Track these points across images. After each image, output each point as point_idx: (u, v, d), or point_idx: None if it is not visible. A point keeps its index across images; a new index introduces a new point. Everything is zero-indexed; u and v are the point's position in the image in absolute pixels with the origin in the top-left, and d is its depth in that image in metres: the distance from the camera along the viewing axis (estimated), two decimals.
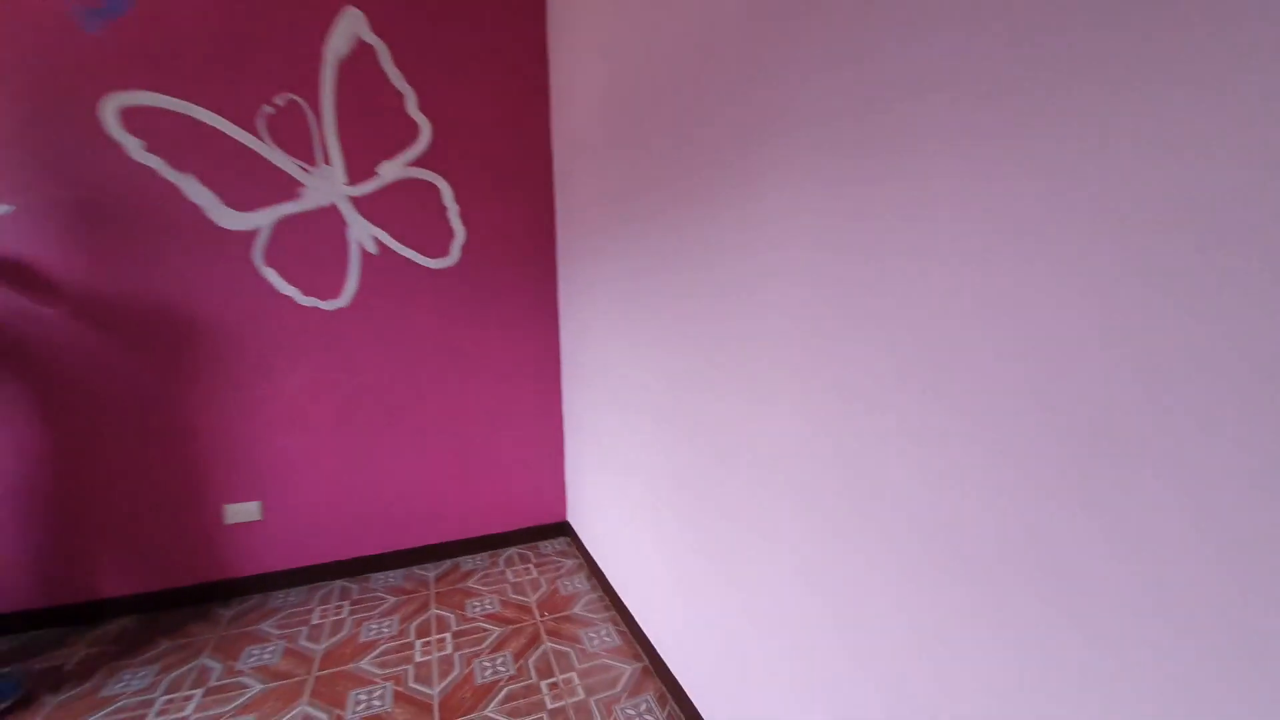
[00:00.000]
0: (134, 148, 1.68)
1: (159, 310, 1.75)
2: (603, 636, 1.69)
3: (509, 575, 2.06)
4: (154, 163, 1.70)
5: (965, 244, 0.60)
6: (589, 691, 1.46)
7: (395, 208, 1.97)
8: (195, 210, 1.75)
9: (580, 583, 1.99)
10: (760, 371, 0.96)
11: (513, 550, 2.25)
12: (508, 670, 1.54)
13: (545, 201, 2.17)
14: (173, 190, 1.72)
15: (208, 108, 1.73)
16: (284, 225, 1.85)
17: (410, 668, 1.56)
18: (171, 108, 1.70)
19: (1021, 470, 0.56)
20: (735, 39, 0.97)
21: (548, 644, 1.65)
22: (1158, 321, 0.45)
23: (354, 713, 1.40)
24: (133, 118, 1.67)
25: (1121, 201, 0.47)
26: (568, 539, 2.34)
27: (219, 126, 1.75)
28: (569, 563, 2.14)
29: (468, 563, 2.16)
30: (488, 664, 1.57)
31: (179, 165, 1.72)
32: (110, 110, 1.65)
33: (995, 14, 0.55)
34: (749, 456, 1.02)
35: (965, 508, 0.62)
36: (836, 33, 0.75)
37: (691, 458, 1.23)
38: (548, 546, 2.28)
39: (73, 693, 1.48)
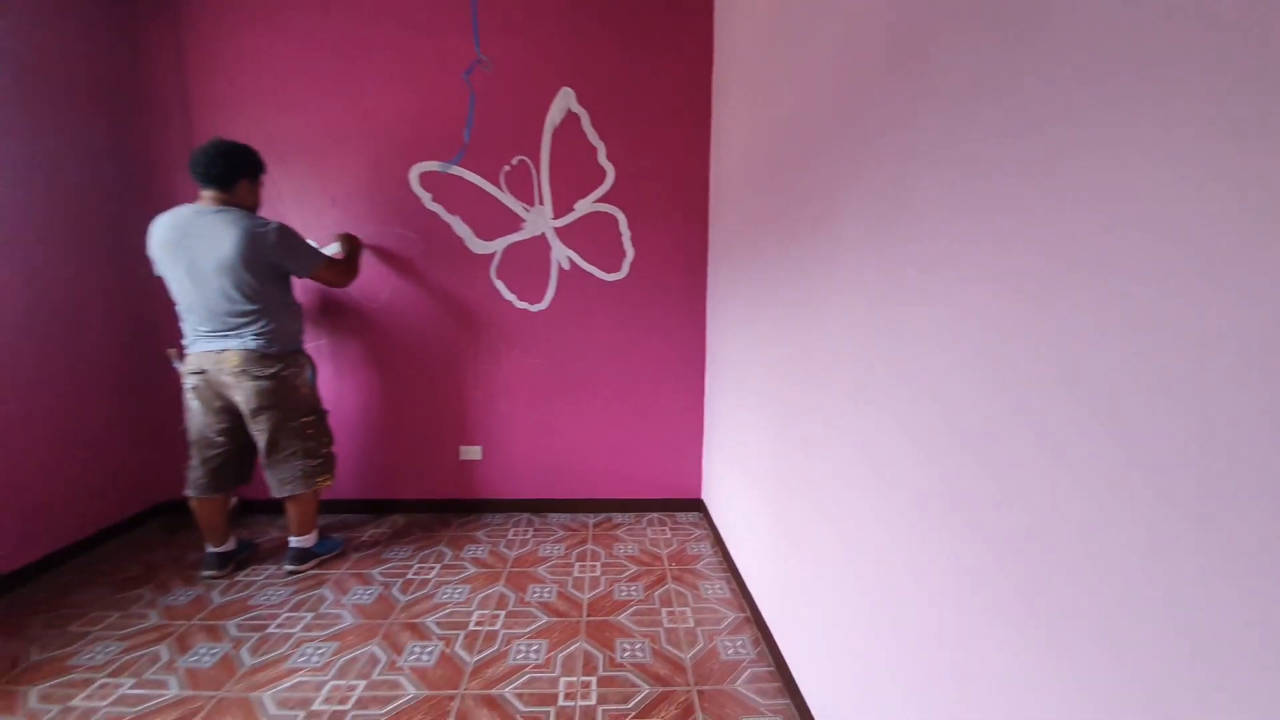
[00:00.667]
0: (426, 199, 2.52)
1: (444, 304, 2.58)
2: (716, 589, 2.04)
3: (649, 532, 2.52)
4: (437, 209, 2.53)
5: (958, 289, 0.85)
6: (698, 623, 1.83)
7: (584, 234, 2.57)
8: (459, 241, 2.54)
9: (705, 548, 2.36)
10: (819, 367, 1.25)
11: (654, 515, 2.71)
12: (638, 595, 1.99)
13: (700, 229, 2.59)
14: (447, 227, 2.53)
15: (471, 170, 2.50)
16: (510, 250, 2.56)
17: (570, 579, 2.10)
18: (450, 173, 2.50)
19: (952, 449, 0.80)
20: (809, 126, 1.26)
21: (671, 585, 2.06)
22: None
23: (531, 597, 1.97)
24: (425, 179, 2.50)
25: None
26: (700, 514, 2.72)
27: (476, 182, 2.51)
28: (698, 532, 2.52)
29: (618, 517, 2.67)
30: (624, 588, 2.03)
31: (451, 210, 2.53)
32: (414, 173, 2.50)
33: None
34: (818, 436, 1.30)
35: (941, 475, 0.86)
36: (875, 156, 1.02)
37: (784, 441, 1.54)
38: (683, 517, 2.69)
39: (366, 554, 2.32)
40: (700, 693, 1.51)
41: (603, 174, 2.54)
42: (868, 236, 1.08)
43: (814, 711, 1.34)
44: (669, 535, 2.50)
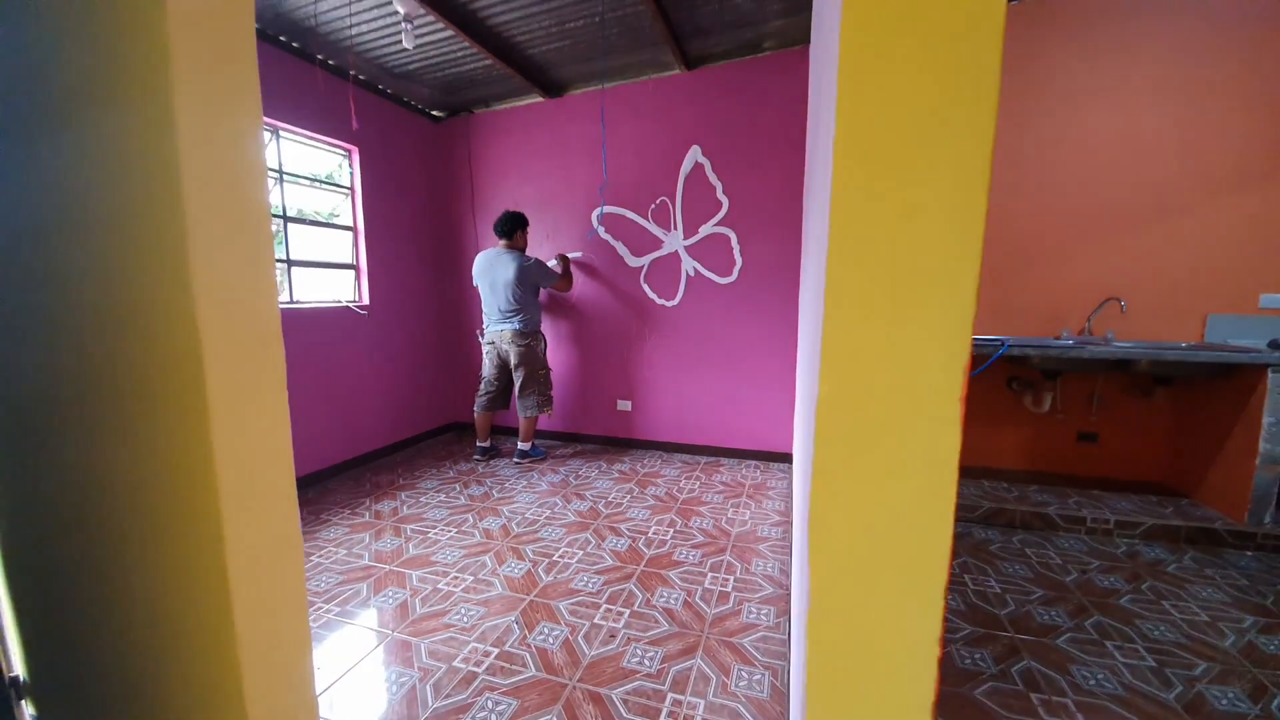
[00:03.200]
0: (600, 230, 3.74)
1: (609, 301, 3.81)
2: (774, 505, 2.83)
3: (742, 469, 3.38)
4: (606, 236, 3.73)
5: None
6: (752, 519, 2.67)
7: (706, 250, 3.52)
8: (620, 258, 3.72)
9: (781, 484, 3.14)
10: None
11: (752, 461, 3.55)
12: (718, 501, 2.90)
13: (795, 240, 3.32)
14: (613, 249, 3.73)
15: (631, 210, 3.65)
16: (654, 263, 3.65)
17: (679, 489, 3.10)
18: (617, 213, 3.68)
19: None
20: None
21: (744, 498, 2.92)
22: None
23: (648, 494, 3.03)
24: (603, 218, 3.73)
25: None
26: (789, 465, 3.46)
27: (633, 218, 3.66)
28: (780, 473, 3.29)
29: (724, 460, 3.58)
30: (711, 496, 2.96)
31: (615, 236, 3.71)
32: (595, 214, 3.74)
33: None
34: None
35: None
36: None
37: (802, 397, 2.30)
38: (774, 467, 3.47)
39: (557, 460, 3.63)
40: (735, 547, 2.39)
41: (720, 205, 3.46)
42: None
43: None
44: (757, 474, 3.33)
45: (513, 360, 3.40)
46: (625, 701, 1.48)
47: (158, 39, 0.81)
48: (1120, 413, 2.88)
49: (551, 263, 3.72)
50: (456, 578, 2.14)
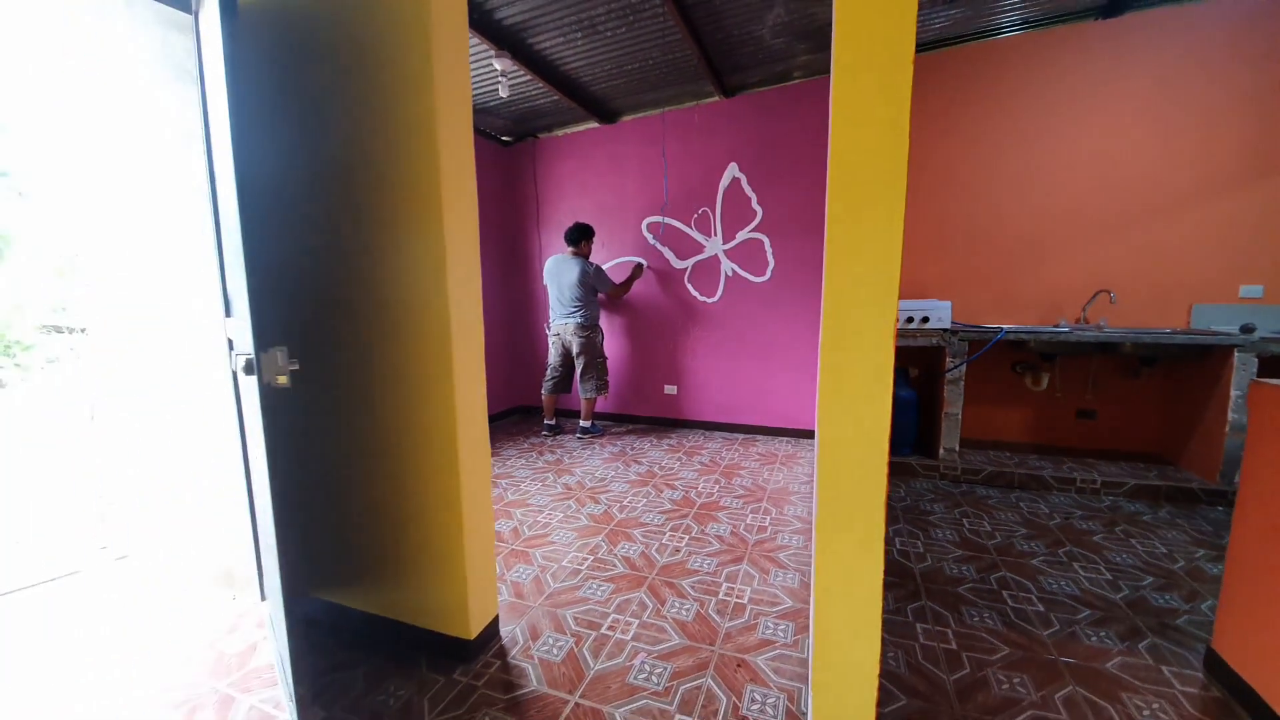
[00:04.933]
0: (649, 238, 4.30)
1: (658, 299, 4.36)
2: (803, 470, 3.32)
3: (774, 444, 3.87)
4: (654, 242, 4.29)
5: None
6: (785, 480, 3.18)
7: (742, 253, 4.04)
8: (667, 261, 4.27)
9: (810, 459, 3.62)
10: None
11: (785, 439, 4.04)
12: (754, 467, 3.41)
13: (819, 243, 3.80)
14: (660, 254, 4.28)
15: (676, 219, 4.20)
16: (696, 265, 4.19)
17: (719, 460, 3.62)
18: (664, 220, 4.24)
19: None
20: None
21: (778, 466, 3.42)
22: None
23: (695, 461, 3.56)
24: (650, 226, 4.28)
25: None
26: (812, 438, 3.94)
27: (678, 225, 4.20)
28: (808, 447, 3.78)
29: (759, 437, 4.08)
30: (748, 464, 3.47)
31: (663, 243, 4.27)
32: (644, 224, 4.30)
33: None
34: None
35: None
36: None
37: None
38: (803, 442, 3.95)
39: (614, 436, 4.20)
40: (770, 497, 2.90)
41: (755, 214, 3.97)
42: None
43: None
44: (789, 447, 3.82)
45: (575, 349, 3.98)
46: (693, 588, 2.02)
47: (432, 172, 1.40)
48: (1114, 392, 3.27)
49: (609, 266, 4.29)
50: (550, 513, 2.72)
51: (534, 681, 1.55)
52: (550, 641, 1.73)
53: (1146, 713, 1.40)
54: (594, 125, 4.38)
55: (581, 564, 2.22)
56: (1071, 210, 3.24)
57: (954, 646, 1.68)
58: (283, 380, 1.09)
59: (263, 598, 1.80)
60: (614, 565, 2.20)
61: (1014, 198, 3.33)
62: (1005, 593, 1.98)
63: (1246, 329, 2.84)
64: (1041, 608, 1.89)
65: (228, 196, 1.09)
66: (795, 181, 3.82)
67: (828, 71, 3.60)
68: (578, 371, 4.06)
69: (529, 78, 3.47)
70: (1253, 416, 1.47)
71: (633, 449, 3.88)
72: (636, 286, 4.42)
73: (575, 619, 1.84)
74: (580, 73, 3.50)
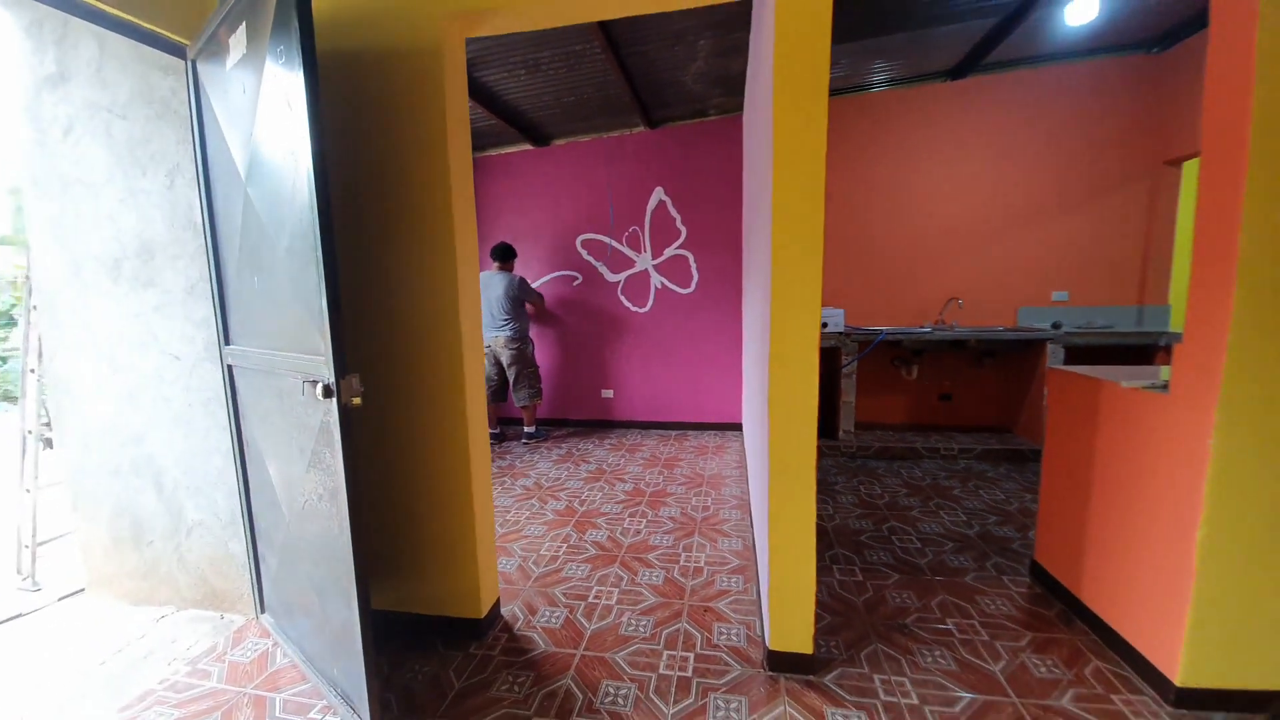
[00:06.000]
0: (584, 253, 4.63)
1: (594, 310, 4.69)
2: (733, 458, 3.83)
3: (704, 438, 4.37)
4: (588, 258, 4.63)
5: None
6: (718, 467, 3.65)
7: (670, 268, 4.49)
8: (600, 275, 4.62)
9: (738, 448, 4.15)
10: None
11: (712, 432, 4.55)
12: (691, 457, 3.86)
13: (737, 257, 4.35)
14: (593, 268, 4.62)
15: (609, 237, 4.56)
16: (629, 279, 4.58)
17: (659, 454, 4.04)
18: (597, 238, 4.58)
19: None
20: (751, 207, 3.03)
21: (711, 456, 3.90)
22: None
23: (638, 457, 3.95)
24: (584, 243, 4.61)
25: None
26: (739, 431, 4.49)
27: (610, 243, 4.57)
28: (734, 438, 4.31)
29: (690, 433, 4.56)
30: (685, 457, 3.92)
31: (596, 257, 4.61)
32: (579, 240, 4.62)
33: None
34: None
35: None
36: None
37: (752, 378, 3.30)
38: (728, 434, 4.48)
39: (557, 439, 4.48)
40: (709, 482, 3.35)
41: (680, 233, 4.44)
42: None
43: None
44: (717, 440, 4.33)
45: (506, 361, 4.19)
46: (657, 560, 2.40)
47: (444, 186, 1.67)
48: (965, 379, 4.11)
49: (546, 280, 4.56)
50: (518, 512, 2.97)
51: (541, 645, 1.84)
52: (547, 613, 2.02)
53: (991, 607, 1.99)
54: (527, 147, 4.63)
55: (558, 551, 2.51)
56: (931, 233, 4.03)
57: (860, 579, 2.20)
58: (357, 402, 1.31)
59: (261, 610, 1.91)
60: (587, 549, 2.52)
61: (888, 222, 4.07)
62: (894, 537, 2.56)
63: (1056, 325, 3.74)
64: (919, 545, 2.48)
65: (300, 234, 1.28)
66: (713, 204, 4.33)
67: (739, 111, 4.15)
68: (510, 381, 4.27)
69: (471, 104, 3.67)
70: (1050, 395, 2.13)
71: (578, 450, 4.19)
72: (575, 298, 4.72)
73: (564, 594, 2.15)
74: (520, 103, 3.76)
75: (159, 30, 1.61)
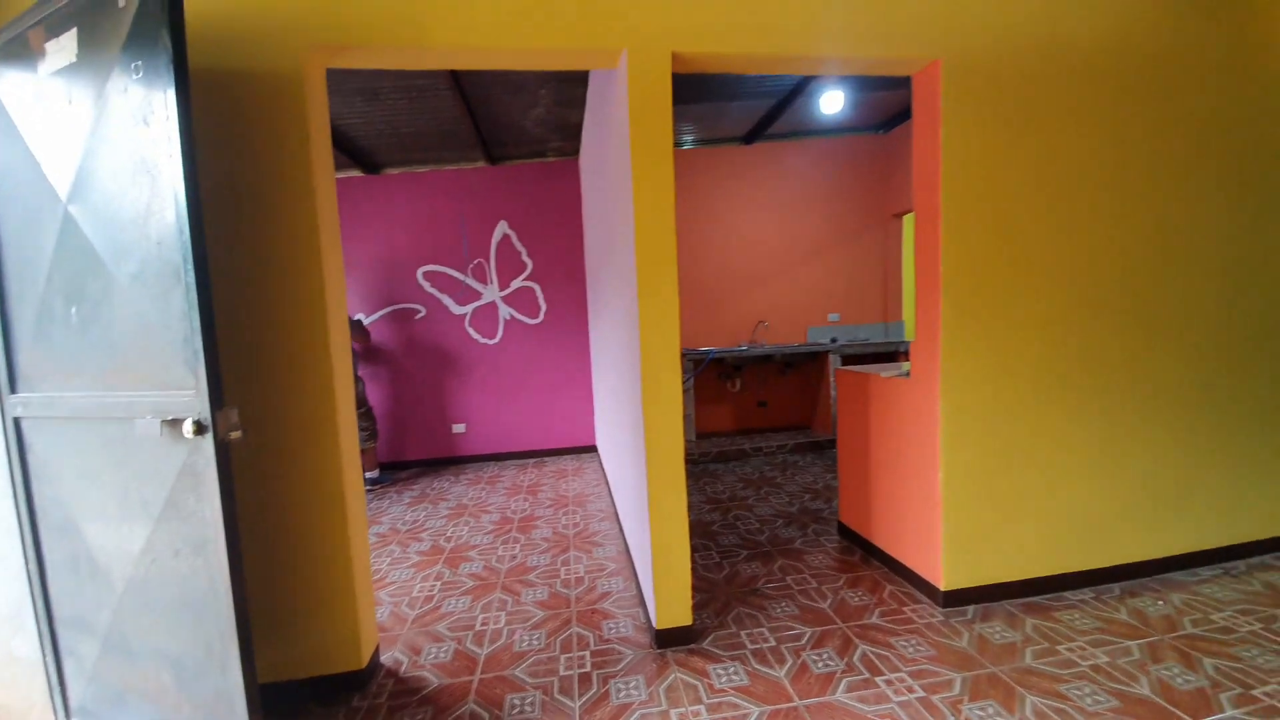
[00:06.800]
0: (426, 285, 4.49)
1: (440, 344, 4.53)
2: (591, 477, 4.03)
3: (563, 461, 4.50)
4: (432, 290, 4.50)
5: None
6: (581, 487, 3.81)
7: (518, 299, 4.59)
8: (445, 307, 4.52)
9: (594, 466, 4.36)
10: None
11: (569, 456, 4.69)
12: (552, 481, 3.96)
13: (582, 288, 4.64)
14: (437, 300, 4.51)
15: (452, 268, 4.50)
16: (476, 310, 4.56)
17: (520, 482, 4.05)
18: (440, 269, 4.49)
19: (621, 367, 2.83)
20: (594, 246, 3.33)
21: (570, 479, 4.04)
22: None
23: (500, 489, 3.91)
24: (427, 275, 4.48)
25: None
26: (595, 452, 4.72)
27: (454, 275, 4.51)
28: (590, 459, 4.52)
29: (547, 458, 4.65)
30: (546, 481, 4.00)
31: (439, 289, 4.51)
32: (420, 272, 4.48)
33: None
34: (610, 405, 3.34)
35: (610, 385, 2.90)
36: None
37: (613, 403, 3.57)
38: (585, 456, 4.68)
39: (405, 482, 4.20)
40: (573, 502, 3.49)
41: (526, 265, 4.59)
42: (621, 289, 3.14)
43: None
44: (575, 462, 4.49)
45: None
46: (538, 578, 2.47)
47: (308, 182, 1.63)
48: (776, 387, 4.93)
49: (381, 315, 4.31)
50: (377, 561, 2.76)
51: (434, 680, 1.80)
52: (434, 650, 1.96)
53: (815, 562, 2.48)
54: (356, 174, 4.37)
55: (433, 590, 2.42)
56: (736, 268, 4.81)
57: (718, 560, 2.55)
58: (235, 436, 1.20)
59: (67, 717, 1.54)
60: (464, 583, 2.47)
61: (703, 258, 4.75)
62: (738, 523, 3.00)
63: (833, 340, 4.72)
64: (758, 525, 2.95)
65: (155, 260, 1.16)
66: (558, 238, 4.59)
67: (576, 155, 4.50)
68: None
69: None
70: (839, 389, 2.75)
71: (433, 489, 3.98)
72: (419, 332, 4.52)
73: (448, 629, 2.10)
74: (352, 129, 3.59)
75: None
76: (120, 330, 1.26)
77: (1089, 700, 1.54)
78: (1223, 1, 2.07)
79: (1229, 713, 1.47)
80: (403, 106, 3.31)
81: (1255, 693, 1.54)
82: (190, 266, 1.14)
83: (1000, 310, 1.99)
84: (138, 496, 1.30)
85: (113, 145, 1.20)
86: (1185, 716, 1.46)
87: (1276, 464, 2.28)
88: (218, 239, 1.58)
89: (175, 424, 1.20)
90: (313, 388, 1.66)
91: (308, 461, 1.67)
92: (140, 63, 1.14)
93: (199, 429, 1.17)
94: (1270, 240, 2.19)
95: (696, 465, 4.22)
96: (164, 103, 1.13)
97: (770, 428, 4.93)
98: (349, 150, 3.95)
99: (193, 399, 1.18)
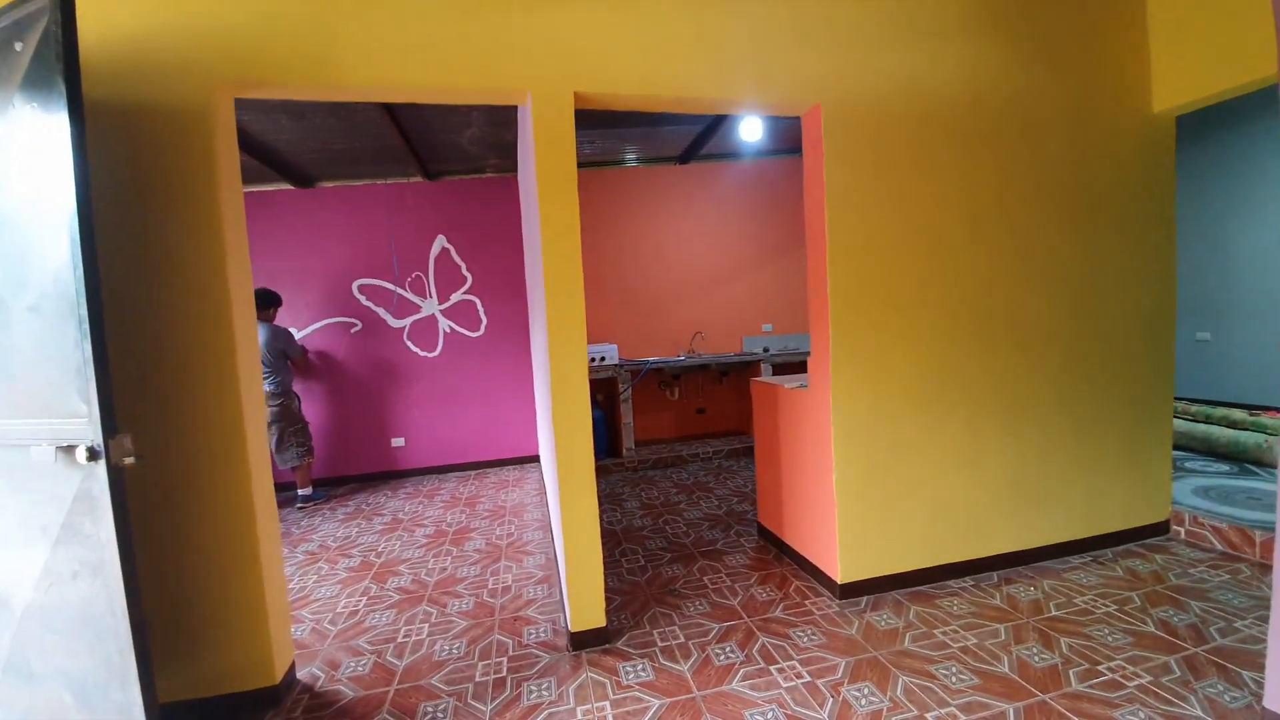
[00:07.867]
0: (362, 299, 4.47)
1: (378, 357, 4.50)
2: (533, 488, 4.10)
3: (505, 472, 4.54)
4: (368, 304, 4.48)
5: None
6: (520, 497, 3.88)
7: (458, 313, 4.62)
8: (383, 321, 4.50)
9: (535, 476, 4.42)
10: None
11: (511, 467, 4.74)
12: (494, 494, 4.00)
13: (522, 301, 4.71)
14: (375, 314, 4.49)
15: (389, 282, 4.49)
16: (414, 324, 4.56)
17: (461, 493, 4.07)
18: (376, 283, 4.47)
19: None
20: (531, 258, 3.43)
21: (511, 490, 4.09)
22: None
23: (437, 501, 3.93)
24: (362, 289, 4.46)
25: None
26: (537, 462, 4.78)
27: (392, 288, 4.50)
28: (533, 469, 4.58)
29: (489, 470, 4.68)
30: (488, 493, 4.04)
31: (377, 303, 4.49)
32: (355, 285, 4.45)
33: None
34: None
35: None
36: None
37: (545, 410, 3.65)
38: (527, 466, 4.74)
39: (343, 498, 4.16)
40: (510, 514, 3.55)
41: (465, 279, 4.62)
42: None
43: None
44: (516, 473, 4.55)
45: (267, 419, 3.79)
46: (466, 589, 2.53)
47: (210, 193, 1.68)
48: (713, 394, 5.13)
49: (315, 329, 4.26)
50: (302, 579, 2.75)
51: (350, 693, 1.84)
52: (352, 664, 2.00)
53: (733, 562, 2.64)
54: (287, 187, 4.32)
55: (357, 606, 2.45)
56: (674, 280, 5.00)
57: (643, 563, 2.68)
58: (129, 461, 1.24)
59: None
60: (389, 597, 2.51)
61: (643, 271, 4.92)
62: (667, 527, 3.15)
63: (766, 349, 4.96)
64: (685, 529, 3.10)
65: (52, 291, 1.20)
66: (497, 252, 4.65)
67: (514, 172, 4.59)
68: (272, 442, 3.83)
69: None
70: (755, 400, 2.94)
71: (369, 504, 3.96)
72: (355, 346, 4.48)
73: (368, 643, 2.14)
74: (281, 145, 3.57)
75: None
76: (18, 360, 1.28)
77: (954, 679, 1.72)
78: (1068, 57, 2.37)
79: (1074, 687, 1.65)
80: (331, 124, 3.33)
81: (1100, 668, 1.72)
82: (83, 299, 1.18)
83: (877, 327, 2.20)
84: (36, 521, 1.31)
85: (8, 182, 1.23)
86: (1036, 691, 1.63)
87: (1127, 463, 2.59)
88: (121, 267, 1.61)
89: (70, 450, 1.23)
90: (219, 408, 1.69)
91: (216, 481, 1.70)
92: (36, 104, 1.18)
93: (92, 455, 1.21)
94: (1109, 264, 2.51)
95: (635, 472, 4.35)
96: (60, 141, 1.17)
97: (708, 434, 5.12)
98: (277, 164, 3.91)
99: (85, 426, 1.22)
